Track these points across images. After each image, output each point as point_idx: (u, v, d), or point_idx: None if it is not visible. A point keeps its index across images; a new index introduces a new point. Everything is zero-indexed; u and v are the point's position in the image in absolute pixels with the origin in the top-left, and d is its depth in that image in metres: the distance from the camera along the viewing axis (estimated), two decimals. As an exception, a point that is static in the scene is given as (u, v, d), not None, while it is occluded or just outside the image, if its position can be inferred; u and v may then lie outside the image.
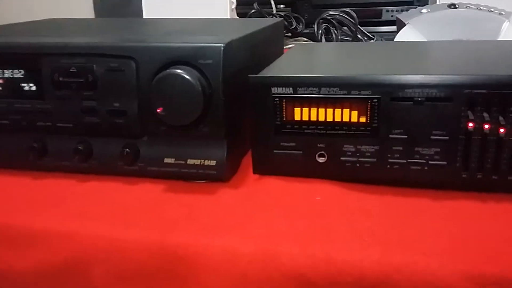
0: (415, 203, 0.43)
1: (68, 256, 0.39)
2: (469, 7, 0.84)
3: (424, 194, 0.44)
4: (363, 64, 0.52)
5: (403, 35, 0.82)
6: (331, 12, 0.92)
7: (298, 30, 0.98)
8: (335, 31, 0.89)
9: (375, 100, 0.43)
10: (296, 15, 1.00)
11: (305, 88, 0.44)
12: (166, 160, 0.47)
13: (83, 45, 0.47)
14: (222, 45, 0.44)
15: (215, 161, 0.46)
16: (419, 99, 0.42)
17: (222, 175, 0.46)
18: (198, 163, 0.46)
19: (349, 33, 0.93)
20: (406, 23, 0.84)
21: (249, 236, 0.38)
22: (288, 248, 0.36)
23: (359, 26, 0.93)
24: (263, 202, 0.44)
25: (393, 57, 0.55)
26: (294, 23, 0.97)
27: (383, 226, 0.39)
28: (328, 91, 0.44)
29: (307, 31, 1.09)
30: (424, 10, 0.86)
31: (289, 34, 1.05)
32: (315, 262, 0.36)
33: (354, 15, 0.92)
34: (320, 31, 0.88)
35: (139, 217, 0.41)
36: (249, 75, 0.45)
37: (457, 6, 0.85)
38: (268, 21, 0.70)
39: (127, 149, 0.47)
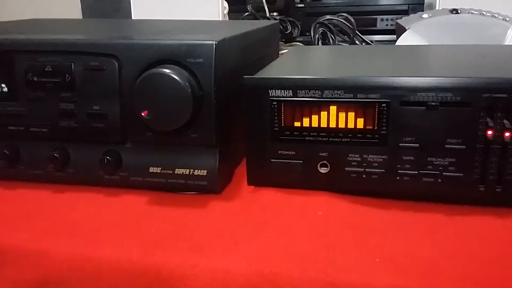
0: (428, 219, 0.39)
1: (40, 277, 0.36)
2: (472, 13, 0.82)
3: (438, 209, 0.40)
4: (369, 66, 0.48)
5: (405, 40, 0.78)
6: (328, 17, 0.89)
7: (293, 35, 0.95)
8: (332, 36, 0.86)
9: (384, 105, 0.39)
10: (291, 19, 0.96)
11: (306, 90, 0.40)
12: (151, 169, 0.43)
13: (60, 41, 0.43)
14: (214, 42, 0.40)
15: (205, 171, 0.42)
16: (433, 103, 0.38)
17: (214, 186, 0.43)
18: (187, 172, 0.43)
19: (347, 38, 0.89)
20: (407, 28, 0.80)
21: (243, 256, 0.35)
22: (287, 270, 0.33)
23: (357, 31, 0.90)
24: (259, 217, 0.40)
25: (401, 59, 0.52)
26: (289, 27, 0.93)
27: (394, 245, 0.35)
28: (332, 94, 0.40)
29: (301, 39, 1.07)
30: (425, 15, 0.83)
31: (283, 40, 1.02)
32: (319, 287, 0.32)
33: (352, 20, 0.89)
34: (316, 36, 0.85)
35: (120, 233, 0.38)
36: (244, 76, 0.42)
37: (459, 11, 0.82)
38: (263, 23, 0.66)
39: (107, 157, 0.43)
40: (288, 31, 0.93)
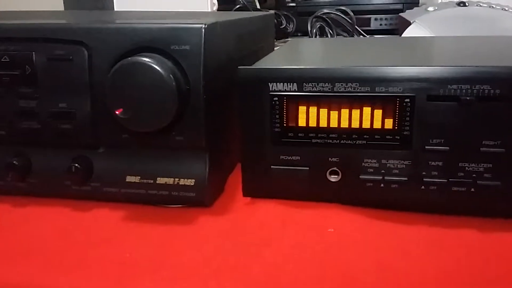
0: (460, 237, 0.33)
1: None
2: (481, 5, 0.76)
3: (471, 224, 0.35)
4: (385, 56, 0.42)
5: (411, 33, 0.73)
6: (325, 10, 0.83)
7: (288, 31, 0.89)
8: (331, 31, 0.80)
9: (407, 100, 0.34)
10: (286, 13, 0.90)
11: (313, 83, 0.35)
12: (129, 179, 0.38)
13: (18, 26, 0.38)
14: (203, 25, 0.34)
15: (193, 180, 0.37)
16: (467, 98, 0.33)
17: (203, 198, 0.38)
18: (171, 182, 0.38)
19: (345, 35, 0.84)
20: (411, 22, 0.75)
21: (241, 284, 0.29)
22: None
23: (356, 26, 0.84)
24: (257, 236, 0.34)
25: (420, 49, 0.46)
26: (284, 22, 0.87)
27: (423, 270, 0.30)
28: (345, 88, 0.34)
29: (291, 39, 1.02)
30: (430, 8, 0.78)
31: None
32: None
33: (351, 13, 0.83)
34: (314, 30, 0.79)
35: (88, 258, 0.32)
36: (239, 67, 0.36)
37: (467, 4, 0.77)
38: (258, 13, 0.60)
39: (76, 164, 0.38)
40: (283, 26, 0.88)
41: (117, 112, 0.35)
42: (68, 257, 0.32)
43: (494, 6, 0.78)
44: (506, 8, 0.77)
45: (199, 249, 0.33)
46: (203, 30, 0.34)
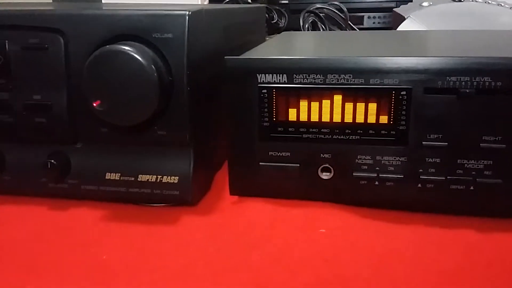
0: (459, 238, 0.32)
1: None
2: (476, 1, 0.75)
3: (470, 224, 0.33)
4: (381, 48, 0.41)
5: (405, 28, 0.72)
6: (318, 5, 0.81)
7: (280, 25, 0.87)
8: (323, 26, 0.78)
9: (403, 92, 0.32)
10: (278, 8, 0.88)
11: (304, 75, 0.33)
12: (108, 176, 0.37)
13: None
14: (187, 12, 0.32)
15: (177, 177, 0.36)
16: (467, 90, 0.31)
17: (187, 196, 0.36)
18: (154, 180, 0.36)
19: (338, 29, 0.82)
20: (406, 17, 0.73)
21: None
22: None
23: (349, 22, 0.82)
24: (245, 237, 0.32)
25: (417, 42, 0.45)
26: (275, 16, 0.86)
27: (423, 273, 0.28)
28: (337, 79, 0.33)
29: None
30: (425, 4, 0.77)
31: (266, 32, 0.94)
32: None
33: (345, 9, 0.82)
34: (306, 25, 0.77)
35: (62, 261, 0.30)
36: (226, 57, 0.34)
37: (462, -1, 0.76)
38: (248, 6, 0.58)
39: (52, 160, 0.36)
40: (274, 21, 0.86)
41: (94, 104, 0.33)
42: (41, 260, 0.30)
43: (489, 1, 0.76)
44: (502, 4, 0.76)
45: (183, 252, 0.31)
46: (187, 17, 0.32)
